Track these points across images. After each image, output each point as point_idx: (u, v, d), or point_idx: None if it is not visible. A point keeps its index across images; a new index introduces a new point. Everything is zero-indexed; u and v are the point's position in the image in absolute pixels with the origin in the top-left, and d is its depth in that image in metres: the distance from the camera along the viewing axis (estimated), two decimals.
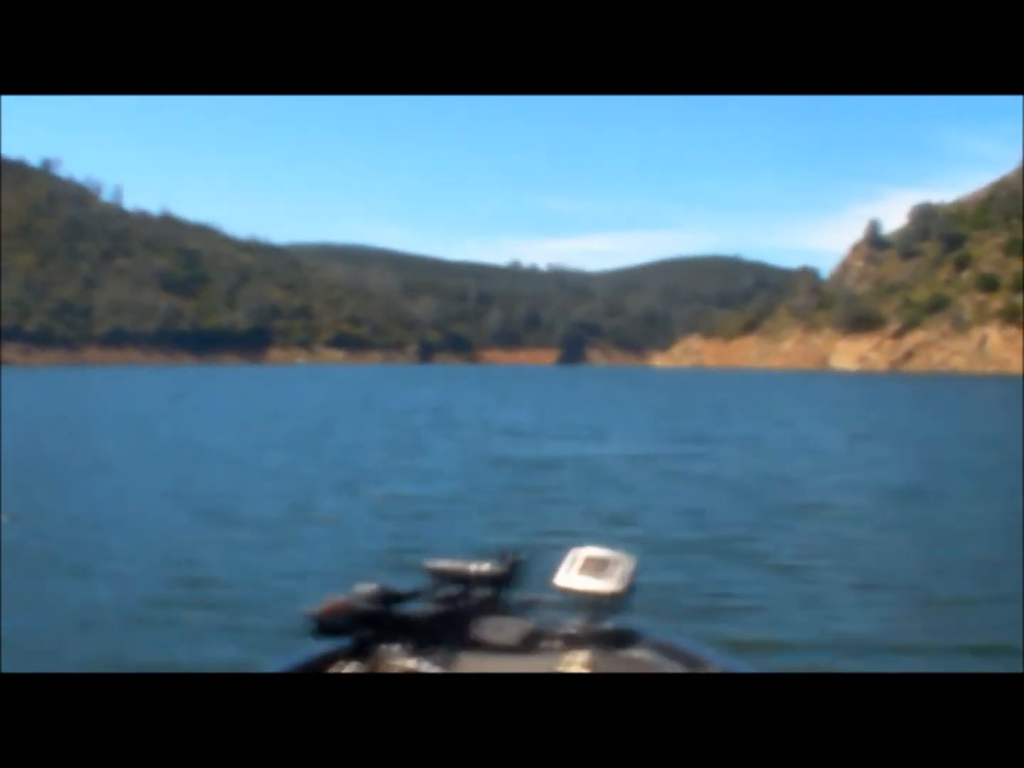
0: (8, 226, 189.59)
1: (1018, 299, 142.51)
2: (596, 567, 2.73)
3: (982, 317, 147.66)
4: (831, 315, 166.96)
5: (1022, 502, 16.66)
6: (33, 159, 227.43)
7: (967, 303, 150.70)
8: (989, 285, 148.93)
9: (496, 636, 2.71)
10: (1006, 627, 9.37)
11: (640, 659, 2.65)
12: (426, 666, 2.54)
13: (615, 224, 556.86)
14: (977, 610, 10.21)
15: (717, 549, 13.49)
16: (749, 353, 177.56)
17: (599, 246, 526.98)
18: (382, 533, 14.03)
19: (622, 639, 2.73)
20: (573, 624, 2.77)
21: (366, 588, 2.65)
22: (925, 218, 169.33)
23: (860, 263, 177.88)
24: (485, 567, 2.82)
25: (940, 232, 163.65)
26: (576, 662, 2.54)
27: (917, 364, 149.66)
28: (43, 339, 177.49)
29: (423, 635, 2.67)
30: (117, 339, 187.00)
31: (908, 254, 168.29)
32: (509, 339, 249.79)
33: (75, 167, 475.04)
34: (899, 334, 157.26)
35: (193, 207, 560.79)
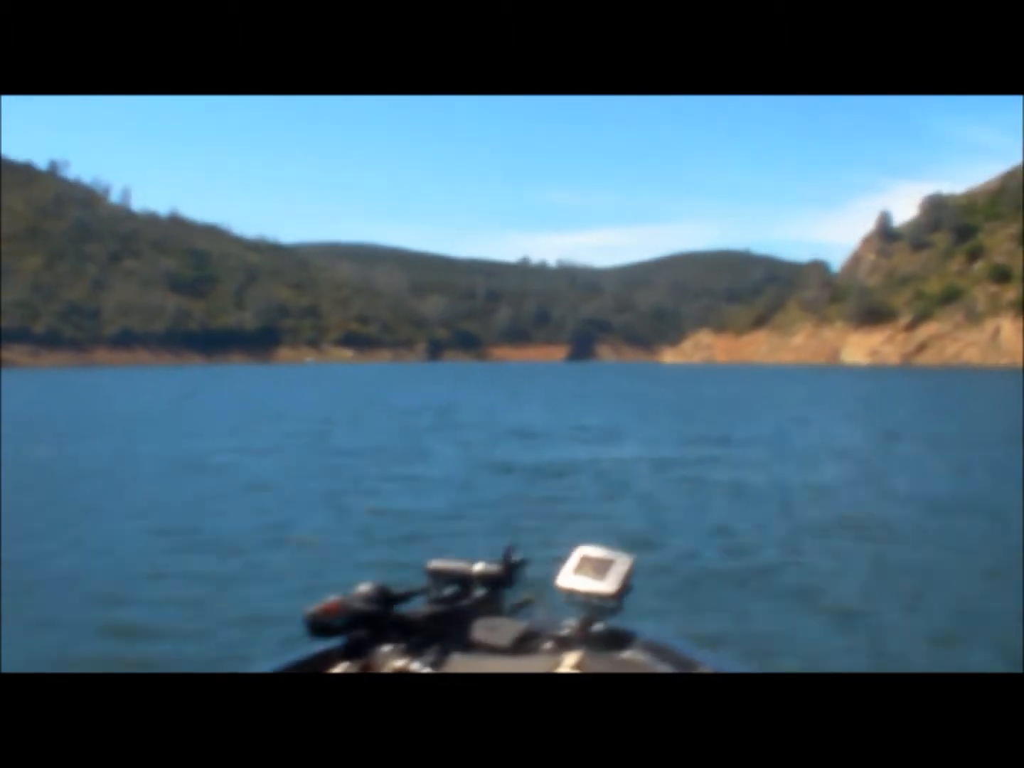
0: (15, 228, 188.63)
1: None
2: (594, 567, 2.63)
3: (995, 308, 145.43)
4: (842, 308, 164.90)
5: None
6: (40, 161, 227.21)
7: (980, 294, 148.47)
8: (1002, 276, 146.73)
9: (491, 637, 2.61)
10: None
11: (634, 660, 2.57)
12: (421, 666, 2.48)
13: (623, 219, 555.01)
14: None
15: (760, 584, 11.28)
16: (760, 348, 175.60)
17: (607, 241, 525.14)
18: (363, 562, 11.85)
19: (617, 640, 2.64)
20: (568, 624, 2.66)
21: (364, 588, 2.54)
22: (936, 209, 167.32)
23: (871, 255, 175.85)
24: (485, 567, 2.73)
25: (951, 223, 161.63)
26: (570, 663, 2.43)
27: (930, 357, 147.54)
28: (51, 341, 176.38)
29: (419, 635, 2.58)
30: (126, 340, 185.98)
31: (919, 246, 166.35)
32: (518, 336, 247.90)
33: (82, 169, 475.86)
34: (911, 327, 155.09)
35: (201, 208, 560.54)
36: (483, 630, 2.64)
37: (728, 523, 15.18)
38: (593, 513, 15.78)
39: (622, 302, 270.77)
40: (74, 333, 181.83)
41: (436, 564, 2.77)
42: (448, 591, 2.75)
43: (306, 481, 20.37)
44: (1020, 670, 7.41)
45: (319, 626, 2.49)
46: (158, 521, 15.39)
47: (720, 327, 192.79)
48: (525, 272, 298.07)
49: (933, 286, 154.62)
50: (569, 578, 2.66)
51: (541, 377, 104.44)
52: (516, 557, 2.77)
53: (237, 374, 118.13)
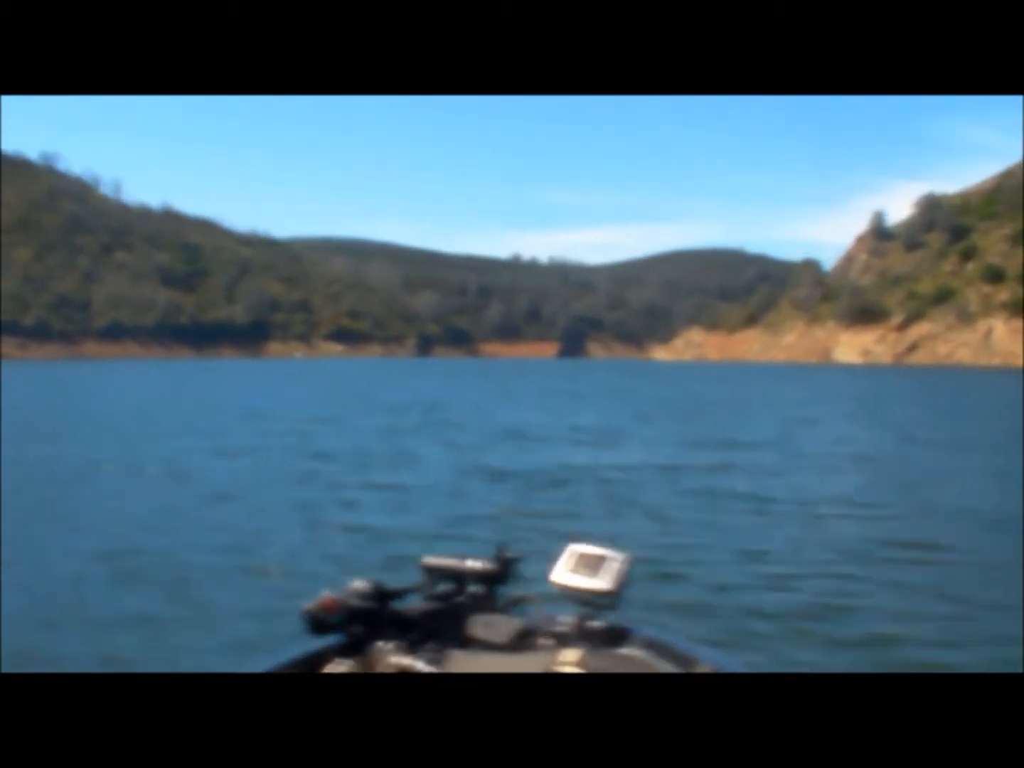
0: (7, 220, 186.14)
1: None
2: (590, 564, 2.62)
3: (988, 309, 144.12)
4: (834, 308, 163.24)
5: None
6: (32, 153, 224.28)
7: (973, 295, 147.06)
8: (995, 276, 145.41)
9: (488, 634, 2.60)
10: None
11: (632, 657, 2.54)
12: (418, 663, 2.45)
13: (616, 217, 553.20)
14: None
15: (815, 627, 9.18)
16: (752, 346, 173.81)
17: (600, 239, 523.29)
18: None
19: (614, 637, 2.61)
20: (565, 622, 2.64)
21: (359, 584, 2.55)
22: (930, 209, 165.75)
23: (864, 255, 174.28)
24: (480, 564, 2.72)
25: (945, 223, 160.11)
26: (568, 660, 2.40)
27: (921, 357, 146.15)
28: (41, 333, 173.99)
29: (416, 632, 2.58)
30: (115, 333, 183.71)
31: (913, 245, 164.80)
32: (509, 332, 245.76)
33: (75, 161, 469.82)
34: (903, 326, 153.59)
35: (193, 201, 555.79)
36: (481, 627, 2.59)
37: (757, 545, 13.09)
38: (599, 532, 13.52)
39: (614, 299, 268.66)
40: (64, 325, 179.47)
41: (431, 561, 2.72)
42: (443, 587, 2.70)
43: (278, 490, 18.20)
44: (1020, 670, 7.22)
45: (316, 623, 2.44)
46: (99, 541, 13.25)
47: (712, 325, 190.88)
48: (517, 269, 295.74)
49: (926, 286, 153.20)
50: (564, 575, 2.59)
51: (532, 374, 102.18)
52: (509, 554, 2.71)
53: (224, 368, 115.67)
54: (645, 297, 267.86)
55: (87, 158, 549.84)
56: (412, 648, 2.52)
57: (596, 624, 2.62)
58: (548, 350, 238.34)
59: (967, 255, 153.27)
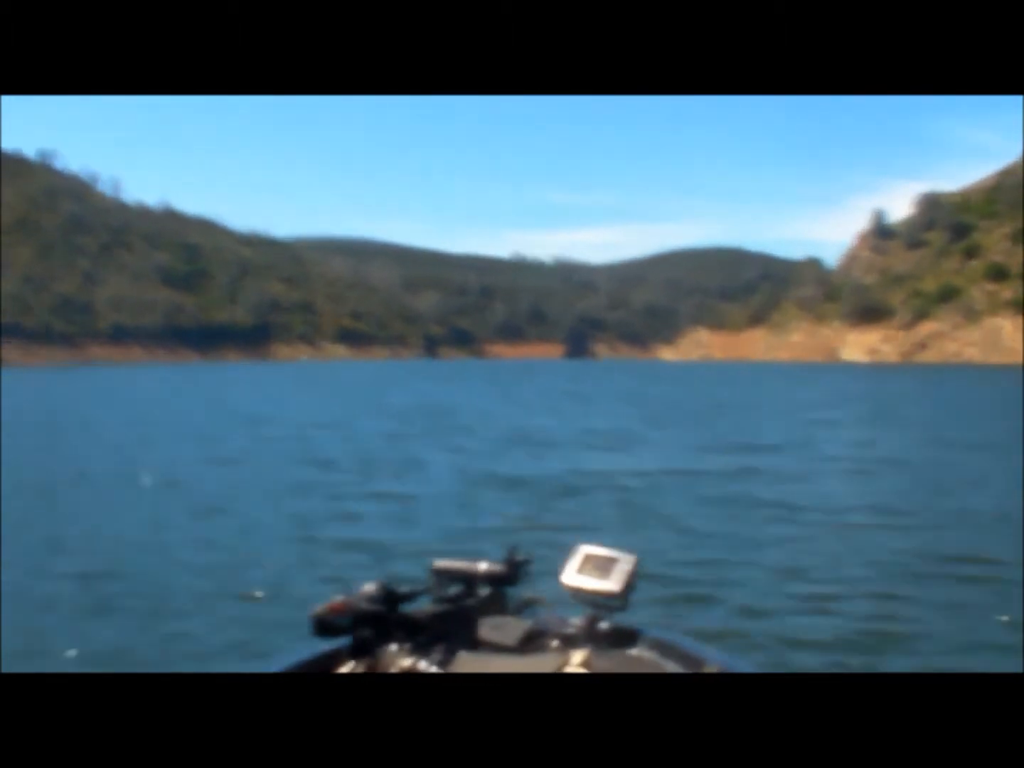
0: (7, 220, 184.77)
1: None
2: (598, 566, 2.59)
3: (993, 307, 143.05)
4: (838, 306, 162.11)
5: None
6: (31, 152, 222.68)
7: (977, 293, 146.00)
8: (999, 275, 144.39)
9: (496, 635, 2.57)
10: None
11: (640, 658, 2.55)
12: (428, 666, 2.41)
13: (617, 217, 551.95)
14: None
15: (881, 669, 7.96)
16: (757, 346, 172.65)
17: (602, 239, 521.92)
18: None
19: (622, 638, 2.60)
20: (573, 623, 2.62)
21: (369, 587, 2.51)
22: (931, 208, 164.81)
23: (866, 253, 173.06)
24: (489, 566, 2.67)
25: (946, 222, 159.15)
26: (576, 661, 2.39)
27: (929, 355, 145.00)
28: (44, 336, 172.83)
29: (425, 634, 2.53)
30: (120, 335, 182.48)
31: (914, 244, 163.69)
32: (513, 333, 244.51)
33: (74, 160, 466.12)
34: (909, 325, 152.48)
35: (194, 201, 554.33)
36: (489, 629, 2.57)
37: (791, 561, 11.92)
38: (619, 546, 12.40)
39: (616, 299, 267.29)
40: (67, 328, 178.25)
41: (441, 563, 2.69)
42: (453, 590, 2.67)
43: (274, 501, 17.00)
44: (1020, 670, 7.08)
45: (324, 626, 2.42)
46: (77, 561, 12.06)
47: (717, 325, 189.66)
48: (519, 269, 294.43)
49: (929, 284, 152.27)
50: (573, 577, 2.58)
51: (539, 375, 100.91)
52: (519, 556, 2.69)
53: (230, 372, 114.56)
54: (647, 297, 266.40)
55: (85, 157, 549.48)
56: (420, 650, 2.48)
57: (605, 625, 2.59)
58: (553, 351, 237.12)
59: (969, 253, 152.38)
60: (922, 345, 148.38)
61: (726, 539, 13.40)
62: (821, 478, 19.95)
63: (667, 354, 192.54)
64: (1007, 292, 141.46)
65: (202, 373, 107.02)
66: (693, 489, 18.14)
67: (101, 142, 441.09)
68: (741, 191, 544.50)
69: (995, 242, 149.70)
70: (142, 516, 15.53)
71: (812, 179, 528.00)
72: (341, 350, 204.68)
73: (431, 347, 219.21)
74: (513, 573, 2.71)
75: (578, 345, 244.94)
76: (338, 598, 2.46)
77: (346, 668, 2.47)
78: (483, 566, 2.70)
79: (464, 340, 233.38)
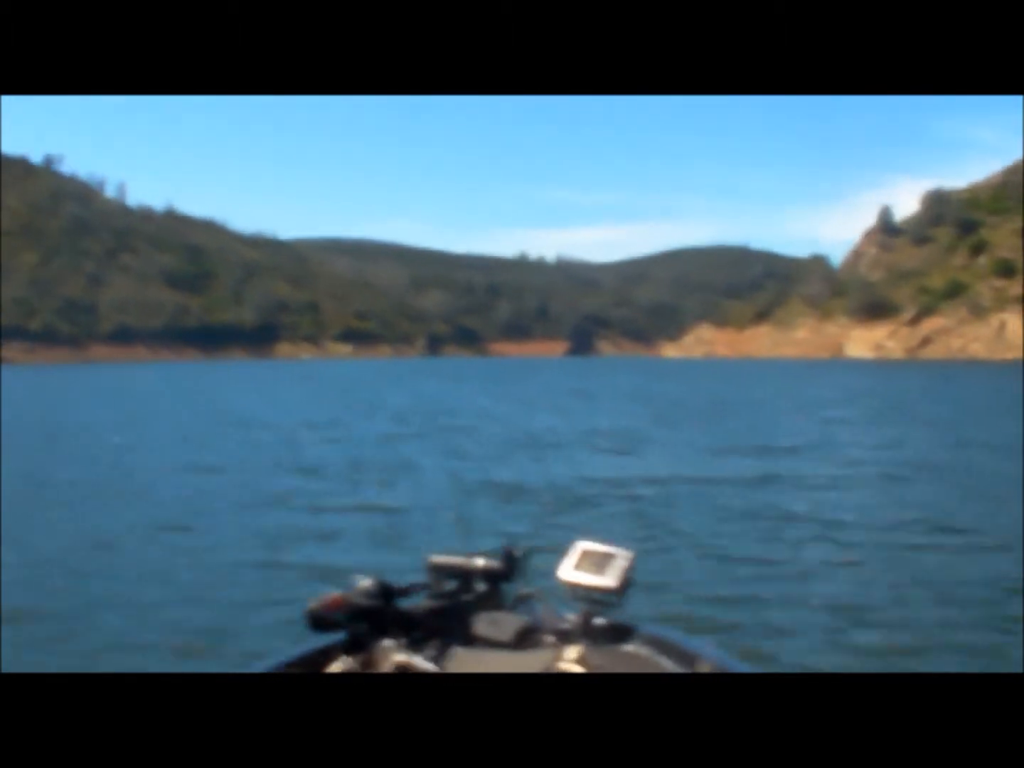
0: (11, 224, 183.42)
1: None
2: (596, 562, 2.51)
3: (1000, 303, 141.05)
4: (844, 303, 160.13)
5: None
6: (36, 156, 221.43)
7: (984, 289, 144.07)
8: (1006, 270, 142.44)
9: (492, 631, 2.52)
10: None
11: (636, 654, 2.48)
12: (422, 661, 2.36)
13: (621, 215, 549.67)
14: None
15: None
16: (762, 342, 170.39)
17: (605, 237, 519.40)
18: None
19: (618, 634, 2.54)
20: (570, 619, 2.55)
21: (364, 583, 2.43)
22: (937, 204, 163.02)
23: (873, 250, 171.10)
24: (485, 562, 2.62)
25: (953, 218, 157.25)
26: (571, 657, 2.32)
27: (935, 351, 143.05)
28: (48, 338, 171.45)
29: (421, 630, 2.48)
30: (123, 336, 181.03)
31: (921, 240, 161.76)
32: (518, 331, 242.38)
33: (78, 164, 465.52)
34: (915, 321, 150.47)
35: (198, 203, 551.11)
36: (484, 624, 2.55)
37: (851, 597, 9.92)
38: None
39: (621, 297, 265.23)
40: (71, 329, 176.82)
41: (436, 559, 2.66)
42: (449, 586, 2.64)
43: (245, 517, 15.05)
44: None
45: (320, 621, 2.37)
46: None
47: (721, 322, 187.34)
48: (523, 268, 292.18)
49: (936, 280, 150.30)
50: (570, 572, 2.52)
51: (542, 372, 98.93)
52: (516, 551, 2.66)
53: (231, 371, 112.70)
54: (652, 295, 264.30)
55: (90, 161, 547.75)
56: (415, 646, 2.42)
57: (600, 621, 2.51)
58: (557, 348, 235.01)
59: (977, 249, 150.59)
60: (927, 341, 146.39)
61: (761, 566, 11.40)
62: (852, 486, 17.96)
63: (670, 351, 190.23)
64: (1014, 288, 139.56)
65: (202, 372, 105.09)
66: (713, 500, 16.15)
67: (105, 146, 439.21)
68: (746, 189, 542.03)
69: (1003, 238, 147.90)
70: (96, 532, 13.59)
71: (816, 177, 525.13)
72: (345, 349, 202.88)
73: (434, 345, 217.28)
74: (509, 569, 2.61)
75: (582, 343, 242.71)
76: (334, 593, 2.37)
77: (341, 664, 2.40)
78: (479, 562, 2.60)
79: (469, 339, 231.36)
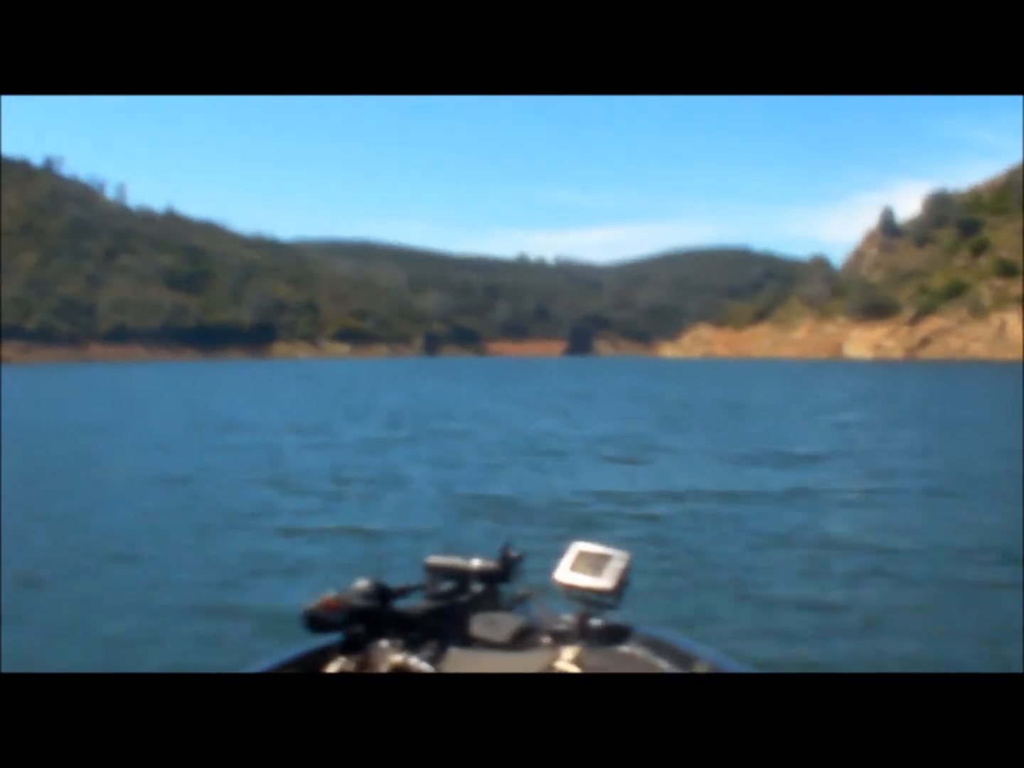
0: (11, 225, 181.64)
1: None
2: (591, 563, 2.49)
3: (1001, 303, 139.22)
4: (844, 303, 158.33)
5: None
6: (36, 157, 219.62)
7: (985, 289, 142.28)
8: (1007, 271, 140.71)
9: (489, 632, 2.49)
10: None
11: (632, 655, 2.44)
12: (419, 662, 2.34)
13: (622, 216, 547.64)
14: None
15: None
16: (761, 342, 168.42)
17: (606, 239, 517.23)
18: None
19: (615, 635, 2.50)
20: (566, 620, 2.52)
21: (361, 583, 2.41)
22: (940, 205, 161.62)
23: (874, 251, 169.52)
24: (482, 563, 2.57)
25: (955, 219, 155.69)
26: (567, 658, 2.31)
27: (934, 351, 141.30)
28: (46, 337, 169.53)
29: (417, 631, 2.45)
30: (121, 336, 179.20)
31: (923, 241, 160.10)
32: (516, 331, 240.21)
33: (78, 165, 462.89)
34: (915, 321, 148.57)
35: (198, 204, 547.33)
36: (481, 625, 2.52)
37: (937, 653, 7.77)
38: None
39: (621, 299, 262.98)
40: (69, 329, 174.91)
41: (434, 560, 2.63)
42: (445, 587, 2.60)
43: (202, 543, 12.88)
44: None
45: (316, 622, 2.34)
46: None
47: (720, 322, 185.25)
48: (523, 269, 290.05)
49: (937, 281, 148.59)
50: (566, 574, 2.50)
51: (540, 372, 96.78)
52: (513, 552, 2.61)
53: (226, 371, 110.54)
54: (652, 296, 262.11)
55: (90, 162, 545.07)
56: (412, 646, 2.39)
57: (597, 622, 2.48)
58: (555, 348, 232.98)
59: (978, 250, 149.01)
60: (926, 341, 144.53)
61: (815, 613, 9.19)
62: (895, 503, 15.76)
63: (668, 351, 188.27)
64: (1015, 288, 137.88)
65: (198, 372, 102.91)
66: (741, 521, 13.98)
67: (106, 147, 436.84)
68: (746, 190, 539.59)
69: (1004, 239, 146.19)
70: (14, 563, 11.41)
71: (817, 178, 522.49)
72: (342, 349, 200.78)
73: (432, 345, 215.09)
74: (506, 569, 2.57)
75: (580, 343, 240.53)
76: (330, 594, 2.34)
77: (338, 664, 2.36)
78: (476, 562, 2.57)
79: (466, 338, 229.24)
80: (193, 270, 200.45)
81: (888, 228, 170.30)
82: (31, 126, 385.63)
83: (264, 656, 2.38)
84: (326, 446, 25.39)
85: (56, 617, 9.28)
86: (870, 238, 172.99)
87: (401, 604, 2.44)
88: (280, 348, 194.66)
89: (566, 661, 2.28)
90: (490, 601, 2.59)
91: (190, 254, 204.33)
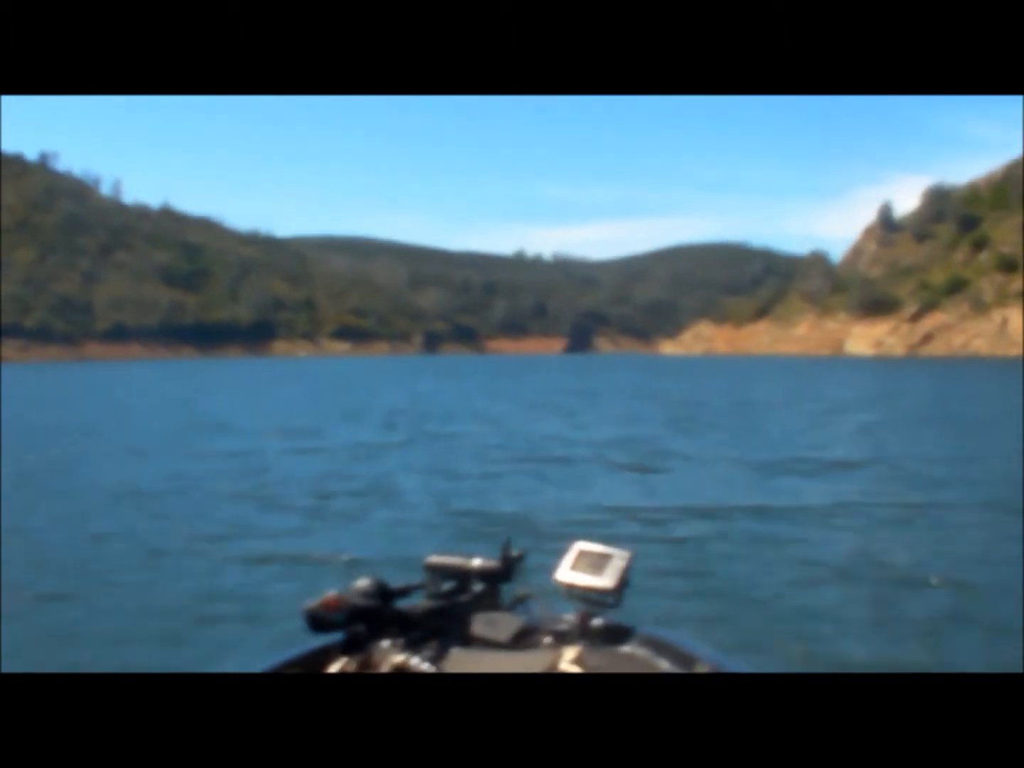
0: (6, 221, 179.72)
1: None
2: (592, 562, 2.46)
3: (1002, 298, 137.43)
4: (844, 299, 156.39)
5: None
6: (31, 153, 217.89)
7: (986, 284, 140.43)
8: (1008, 266, 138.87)
9: (490, 631, 2.45)
10: None
11: (633, 655, 2.41)
12: (420, 662, 2.30)
13: (619, 212, 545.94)
14: None
15: None
16: (761, 339, 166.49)
17: (604, 235, 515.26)
18: None
19: (616, 635, 2.46)
20: (567, 619, 2.48)
21: (362, 583, 2.39)
22: (938, 200, 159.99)
23: (873, 246, 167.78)
24: (483, 562, 2.52)
25: (954, 214, 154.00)
26: (568, 658, 2.27)
27: (936, 348, 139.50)
28: (43, 336, 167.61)
29: (418, 630, 2.42)
30: (119, 334, 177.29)
31: (922, 236, 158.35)
32: (515, 329, 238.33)
33: (74, 161, 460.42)
34: (916, 317, 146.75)
35: (194, 200, 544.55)
36: (482, 625, 2.48)
37: None
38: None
39: (619, 295, 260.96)
40: (66, 327, 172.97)
41: (434, 559, 2.58)
42: (446, 586, 2.55)
43: (155, 576, 10.80)
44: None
45: (317, 621, 2.31)
46: None
47: (720, 318, 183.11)
48: (521, 265, 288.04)
49: (937, 276, 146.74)
50: (567, 573, 2.48)
51: (540, 370, 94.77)
52: (514, 552, 2.55)
53: (223, 369, 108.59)
54: (650, 292, 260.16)
55: (86, 158, 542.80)
56: (413, 646, 2.36)
57: (598, 622, 2.44)
58: (555, 345, 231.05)
59: (978, 245, 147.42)
60: (928, 338, 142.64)
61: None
62: (956, 521, 13.66)
63: (669, 348, 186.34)
64: (1016, 283, 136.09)
65: (195, 370, 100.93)
66: (786, 546, 11.87)
67: (102, 143, 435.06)
68: (743, 186, 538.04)
69: (1004, 234, 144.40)
70: None
71: (815, 173, 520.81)
72: (342, 346, 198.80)
73: (432, 343, 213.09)
74: (507, 569, 2.51)
75: (580, 340, 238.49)
76: (331, 593, 2.32)
77: (338, 664, 2.33)
78: (477, 562, 2.52)
79: (466, 336, 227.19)
80: (190, 267, 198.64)
81: (887, 223, 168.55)
82: (27, 122, 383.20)
83: (265, 656, 2.35)
84: (314, 451, 23.33)
85: None
86: (869, 233, 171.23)
87: (402, 604, 2.42)
88: (279, 346, 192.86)
89: (567, 661, 2.25)
90: (491, 601, 2.53)
91: (187, 251, 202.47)
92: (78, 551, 12.06)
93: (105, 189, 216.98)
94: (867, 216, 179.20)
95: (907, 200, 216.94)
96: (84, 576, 10.71)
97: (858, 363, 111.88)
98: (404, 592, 2.44)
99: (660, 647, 2.37)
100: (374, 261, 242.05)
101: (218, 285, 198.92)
